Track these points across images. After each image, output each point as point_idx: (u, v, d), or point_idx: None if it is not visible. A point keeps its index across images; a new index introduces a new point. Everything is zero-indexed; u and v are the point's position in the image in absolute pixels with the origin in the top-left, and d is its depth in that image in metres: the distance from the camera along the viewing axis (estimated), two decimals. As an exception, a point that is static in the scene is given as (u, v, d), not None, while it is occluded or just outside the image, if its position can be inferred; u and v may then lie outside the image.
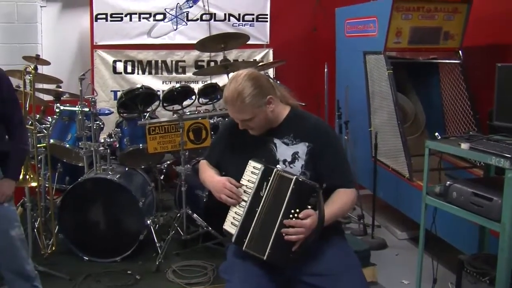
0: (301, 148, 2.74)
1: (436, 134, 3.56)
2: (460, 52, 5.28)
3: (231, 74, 5.10)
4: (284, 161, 2.75)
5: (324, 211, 2.55)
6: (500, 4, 5.07)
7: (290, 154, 2.75)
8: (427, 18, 5.08)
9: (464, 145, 3.20)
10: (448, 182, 3.35)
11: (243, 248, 2.58)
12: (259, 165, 2.64)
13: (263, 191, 2.60)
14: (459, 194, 3.22)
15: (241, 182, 2.69)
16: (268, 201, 2.58)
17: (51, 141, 4.72)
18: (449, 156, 4.81)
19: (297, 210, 2.52)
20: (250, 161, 2.69)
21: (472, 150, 3.17)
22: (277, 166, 2.66)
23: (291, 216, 2.52)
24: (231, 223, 2.67)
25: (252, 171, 2.67)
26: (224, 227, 2.71)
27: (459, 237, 4.07)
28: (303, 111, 2.91)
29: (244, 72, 2.73)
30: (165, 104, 5.23)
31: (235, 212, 2.67)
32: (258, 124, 2.73)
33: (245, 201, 2.64)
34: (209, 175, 2.91)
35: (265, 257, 2.52)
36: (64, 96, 5.25)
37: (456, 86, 5.29)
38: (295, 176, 2.54)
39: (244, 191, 2.67)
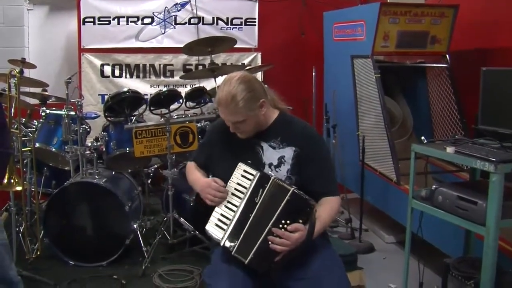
0: (288, 153, 2.74)
1: (422, 138, 3.55)
2: (447, 56, 5.30)
3: (219, 78, 5.11)
4: (270, 164, 2.74)
5: (314, 228, 2.55)
6: (486, 9, 5.10)
7: (276, 158, 2.75)
8: (414, 22, 5.09)
9: (450, 149, 3.21)
10: (434, 186, 3.35)
11: (232, 252, 2.57)
12: (253, 171, 2.64)
13: (258, 197, 2.58)
14: (445, 197, 3.23)
15: (229, 183, 2.69)
16: (261, 207, 2.57)
17: (37, 144, 4.68)
18: (437, 159, 4.82)
19: (288, 222, 2.51)
20: (240, 163, 2.69)
21: (457, 154, 3.17)
22: (269, 173, 2.67)
23: (280, 226, 2.51)
24: (216, 225, 2.66)
25: (243, 174, 2.66)
26: (207, 228, 2.69)
27: (445, 241, 4.07)
28: (291, 116, 2.91)
29: (238, 74, 2.72)
30: (152, 108, 5.21)
31: (222, 215, 2.66)
32: (249, 127, 2.73)
33: (235, 206, 2.64)
34: (196, 177, 2.91)
35: (246, 261, 2.52)
36: (50, 100, 5.22)
37: (443, 90, 5.31)
38: (292, 188, 2.53)
39: (233, 194, 2.66)
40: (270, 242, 2.50)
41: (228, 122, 2.73)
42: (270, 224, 2.52)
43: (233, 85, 2.65)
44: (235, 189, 2.67)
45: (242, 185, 2.65)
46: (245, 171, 2.67)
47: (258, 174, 2.62)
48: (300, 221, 2.52)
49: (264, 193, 2.57)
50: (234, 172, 2.69)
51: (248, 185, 2.63)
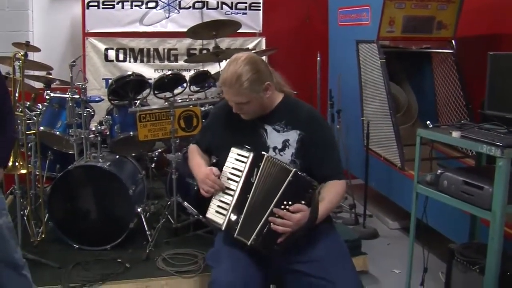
0: (292, 136, 2.73)
1: (428, 122, 3.53)
2: (453, 42, 5.26)
3: (223, 62, 5.09)
4: (275, 148, 2.74)
5: (318, 210, 2.54)
6: (493, -6, 5.07)
7: (280, 141, 2.74)
8: (420, 7, 5.06)
9: (455, 134, 3.19)
10: (439, 171, 3.33)
11: (235, 235, 2.56)
12: (246, 153, 2.63)
13: (254, 177, 2.58)
14: (450, 182, 3.21)
15: (224, 169, 2.68)
16: (260, 188, 2.57)
17: (41, 128, 4.68)
18: (441, 146, 4.83)
19: (290, 203, 2.51)
20: (232, 148, 2.69)
21: (463, 138, 3.15)
22: (262, 152, 2.65)
23: (282, 207, 2.51)
24: (216, 212, 2.65)
25: (237, 158, 2.66)
26: (207, 215, 2.69)
27: (450, 226, 4.07)
28: (296, 99, 2.90)
29: (244, 55, 2.70)
30: (156, 92, 5.19)
31: (220, 201, 2.65)
32: (252, 109, 2.72)
33: (233, 190, 2.62)
34: (197, 164, 2.90)
35: (248, 243, 2.52)
36: (55, 83, 5.21)
37: (449, 75, 5.29)
38: (294, 169, 2.52)
39: (229, 179, 2.65)
40: (271, 223, 2.49)
41: (232, 102, 2.72)
42: (272, 205, 2.51)
43: (239, 65, 2.63)
44: (231, 173, 2.66)
45: (237, 168, 2.64)
46: (238, 154, 2.67)
47: (252, 154, 2.62)
48: (303, 202, 2.51)
49: (259, 172, 2.57)
50: (228, 158, 2.69)
51: (243, 168, 2.62)
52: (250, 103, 2.67)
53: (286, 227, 2.48)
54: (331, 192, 2.69)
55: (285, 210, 2.50)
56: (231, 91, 2.65)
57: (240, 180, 2.62)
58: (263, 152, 2.62)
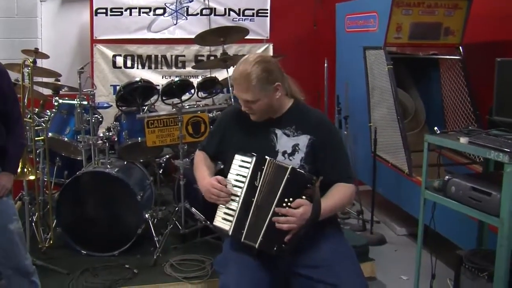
0: (302, 141, 2.74)
1: (436, 128, 3.53)
2: (460, 48, 5.25)
3: (230, 68, 5.10)
4: (284, 152, 2.75)
5: (320, 203, 2.54)
6: (500, 0, 5.05)
7: (290, 146, 2.75)
8: (427, 13, 5.05)
9: (463, 140, 3.18)
10: (447, 177, 3.32)
11: (242, 239, 2.57)
12: (249, 159, 2.65)
13: (258, 181, 2.60)
14: (458, 188, 3.20)
15: (229, 177, 2.69)
16: (264, 190, 2.59)
17: (50, 134, 4.70)
18: (449, 152, 4.81)
19: (291, 200, 2.54)
20: (236, 155, 2.70)
21: (470, 144, 3.15)
22: (265, 156, 2.66)
23: (284, 205, 2.54)
24: (223, 219, 2.67)
25: (241, 164, 2.68)
26: (214, 223, 2.71)
27: (458, 233, 4.05)
28: (306, 105, 2.90)
29: (257, 55, 2.74)
30: (164, 98, 5.21)
31: (227, 207, 2.66)
32: (260, 109, 2.72)
33: (237, 195, 2.64)
34: (201, 176, 2.89)
35: (256, 245, 2.54)
36: (63, 90, 5.24)
37: (456, 82, 5.27)
38: (290, 166, 2.56)
39: (234, 185, 2.67)
40: (275, 223, 2.51)
41: (241, 99, 2.73)
42: (274, 204, 2.54)
43: (250, 63, 2.66)
44: (235, 180, 2.68)
45: (242, 174, 2.66)
46: (242, 161, 2.69)
47: (254, 159, 2.63)
48: (304, 197, 2.54)
49: (263, 175, 2.59)
50: (232, 165, 2.71)
51: (247, 174, 2.64)
52: (259, 102, 2.69)
53: (291, 224, 2.50)
54: (338, 191, 2.70)
55: (287, 208, 2.52)
56: (240, 88, 2.68)
57: (244, 185, 2.63)
58: (265, 156, 2.63)
